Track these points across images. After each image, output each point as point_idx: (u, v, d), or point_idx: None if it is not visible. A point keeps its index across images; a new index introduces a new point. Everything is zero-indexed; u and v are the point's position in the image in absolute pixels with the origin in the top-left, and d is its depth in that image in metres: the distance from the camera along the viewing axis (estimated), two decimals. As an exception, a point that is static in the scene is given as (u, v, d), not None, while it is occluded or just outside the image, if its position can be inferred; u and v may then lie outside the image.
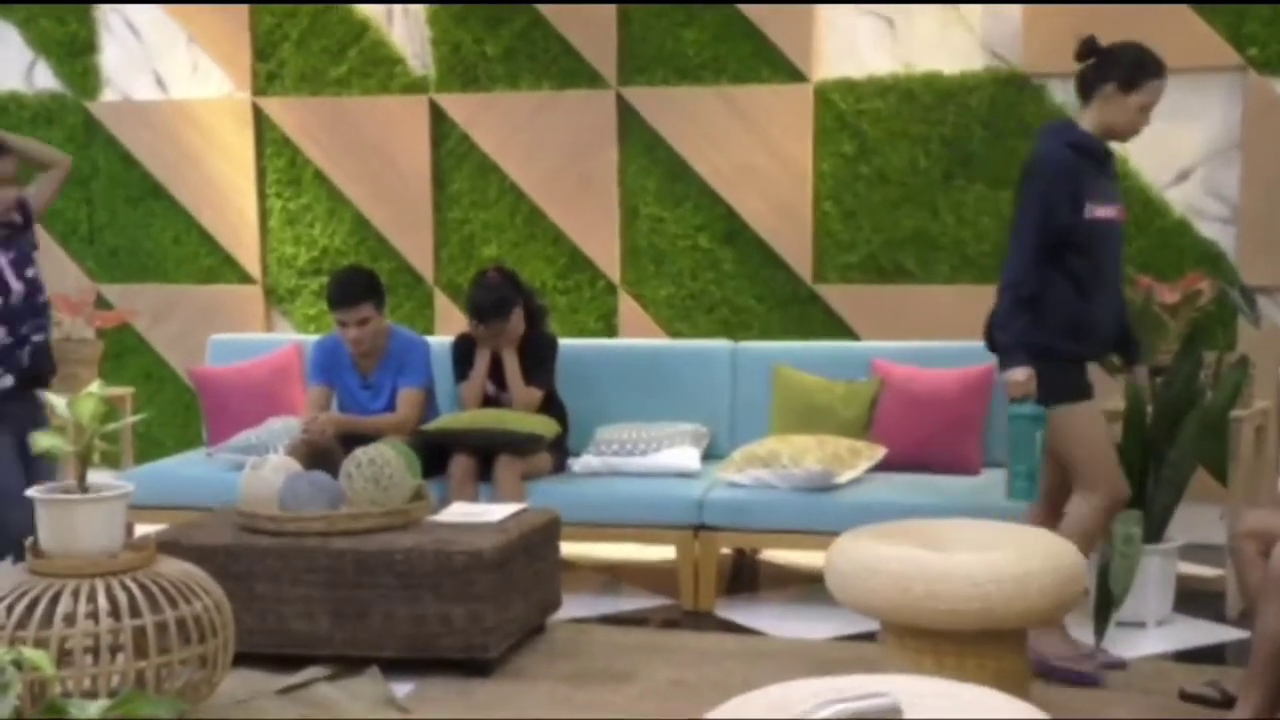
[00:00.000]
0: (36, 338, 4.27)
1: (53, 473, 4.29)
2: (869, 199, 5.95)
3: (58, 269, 6.74)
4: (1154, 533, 4.60)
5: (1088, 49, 4.12)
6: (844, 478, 4.91)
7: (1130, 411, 4.58)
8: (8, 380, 4.19)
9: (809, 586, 5.17)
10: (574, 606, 4.85)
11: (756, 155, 6.01)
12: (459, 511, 4.56)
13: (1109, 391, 5.33)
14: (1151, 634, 4.56)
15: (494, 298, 5.23)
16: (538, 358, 5.32)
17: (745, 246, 6.09)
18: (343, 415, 5.31)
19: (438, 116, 6.38)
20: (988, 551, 3.53)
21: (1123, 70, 4.05)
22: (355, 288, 5.22)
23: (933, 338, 5.57)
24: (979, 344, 5.42)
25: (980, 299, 5.78)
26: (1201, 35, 5.55)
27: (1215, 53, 5.55)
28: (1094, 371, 5.44)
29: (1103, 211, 4.05)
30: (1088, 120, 4.12)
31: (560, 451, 5.31)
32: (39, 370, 4.32)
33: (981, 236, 5.83)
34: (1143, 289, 5.21)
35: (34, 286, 4.25)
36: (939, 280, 5.89)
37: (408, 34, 6.41)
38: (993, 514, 4.23)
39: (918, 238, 5.92)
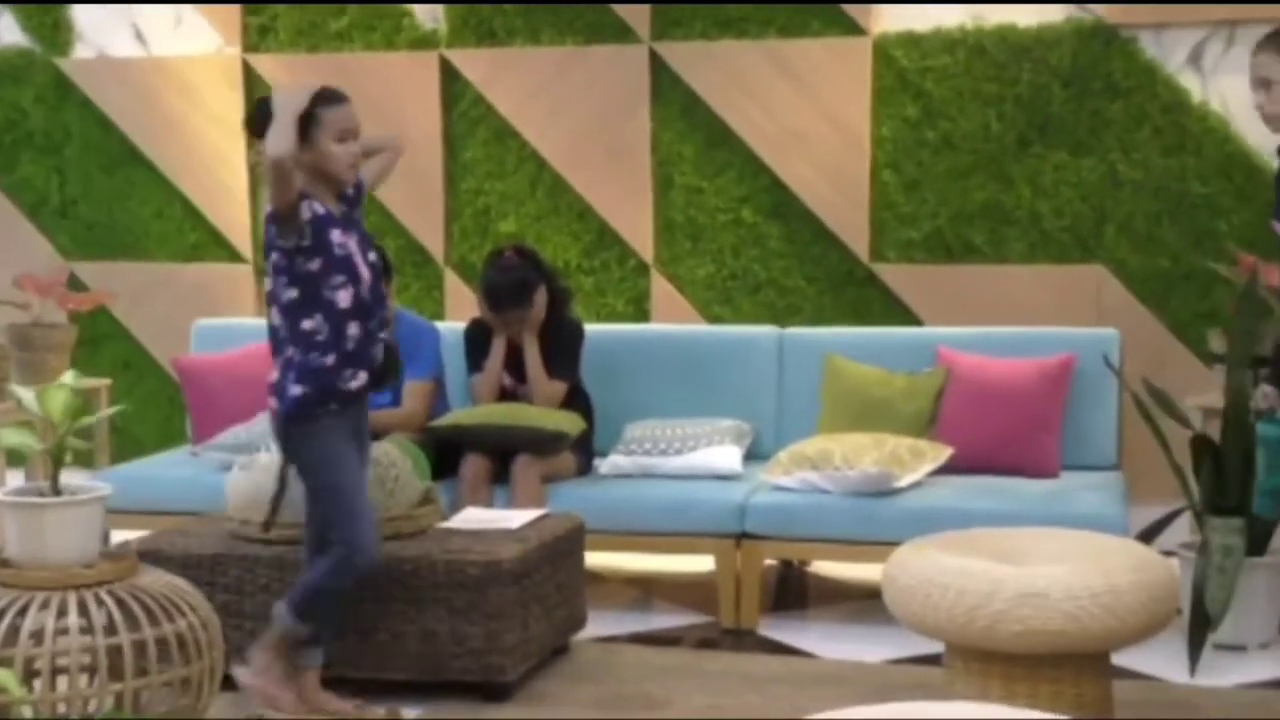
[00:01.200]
0: (384, 334, 4.12)
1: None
2: (934, 168, 5.93)
3: (26, 245, 6.81)
4: (1258, 544, 4.58)
5: None
6: (904, 481, 4.91)
7: (1230, 409, 4.56)
8: (361, 379, 3.99)
9: (864, 603, 5.17)
10: (601, 624, 4.87)
11: (807, 118, 6.00)
12: (473, 518, 4.59)
13: (1204, 386, 5.30)
14: (1254, 659, 4.54)
15: (512, 281, 5.24)
16: (561, 346, 5.33)
17: (794, 221, 6.08)
18: (343, 410, 5.34)
19: (450, 75, 6.39)
20: (1067, 564, 3.52)
21: None
22: None
23: (1006, 323, 5.56)
24: (1057, 330, 5.43)
25: (1059, 279, 5.80)
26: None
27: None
28: (1188, 365, 5.40)
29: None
30: None
31: (585, 451, 5.32)
32: (388, 367, 4.11)
33: (1061, 210, 5.80)
34: (1246, 269, 5.18)
35: (376, 273, 4.09)
36: (1012, 259, 5.87)
37: (416, -18, 6.44)
38: (1073, 522, 4.22)
39: (989, 211, 5.89)
